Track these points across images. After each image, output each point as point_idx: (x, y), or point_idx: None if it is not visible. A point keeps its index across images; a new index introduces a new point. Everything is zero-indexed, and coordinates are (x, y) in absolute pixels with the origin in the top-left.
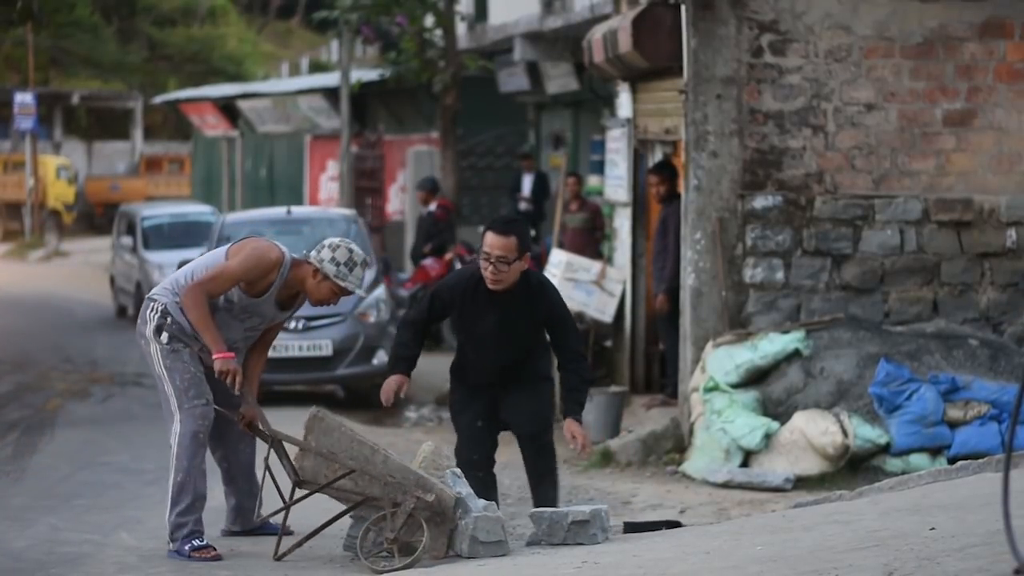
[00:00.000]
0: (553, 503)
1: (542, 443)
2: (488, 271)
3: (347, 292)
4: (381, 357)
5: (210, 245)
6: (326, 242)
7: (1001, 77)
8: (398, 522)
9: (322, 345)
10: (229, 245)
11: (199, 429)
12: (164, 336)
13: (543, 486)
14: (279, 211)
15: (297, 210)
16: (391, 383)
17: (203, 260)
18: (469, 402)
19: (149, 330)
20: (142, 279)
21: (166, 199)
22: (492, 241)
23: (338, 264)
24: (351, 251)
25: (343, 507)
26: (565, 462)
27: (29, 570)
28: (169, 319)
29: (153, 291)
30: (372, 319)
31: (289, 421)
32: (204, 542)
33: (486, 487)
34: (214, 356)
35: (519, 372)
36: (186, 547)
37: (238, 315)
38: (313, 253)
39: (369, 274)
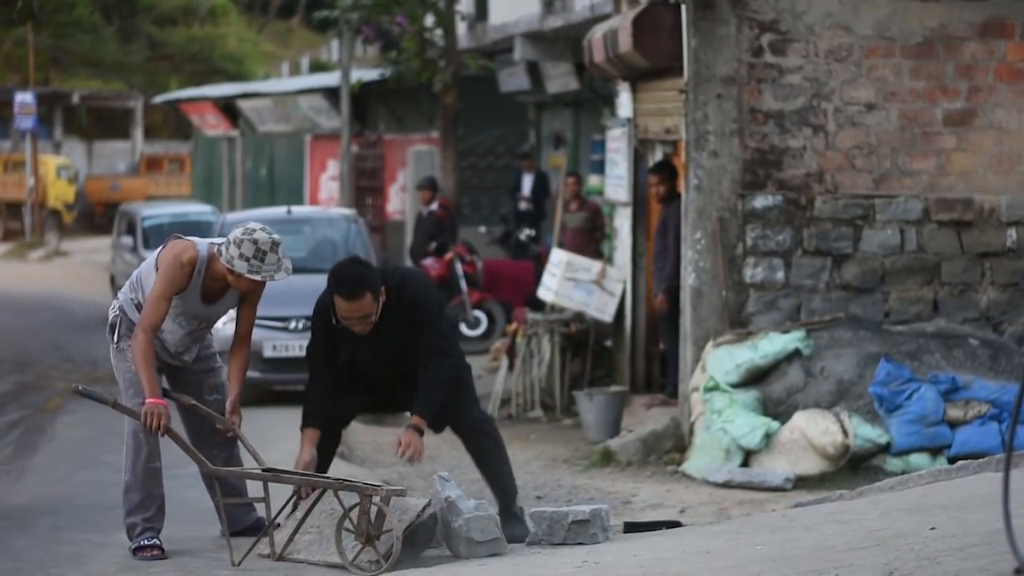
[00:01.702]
0: (503, 479)
1: (468, 430)
2: (356, 328)
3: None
4: None
5: None
6: (230, 237)
7: (1001, 77)
8: (362, 522)
9: None
10: (159, 251)
11: (137, 428)
12: (115, 336)
13: (486, 468)
14: (279, 211)
15: (297, 210)
16: (306, 461)
17: (146, 265)
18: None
19: (107, 329)
20: None
21: (166, 199)
22: (346, 307)
23: (248, 259)
24: (256, 241)
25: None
26: (565, 461)
27: (30, 569)
28: (121, 317)
29: (122, 290)
30: None
31: (289, 421)
32: (151, 541)
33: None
34: (146, 399)
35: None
36: (132, 545)
37: (176, 319)
38: (223, 251)
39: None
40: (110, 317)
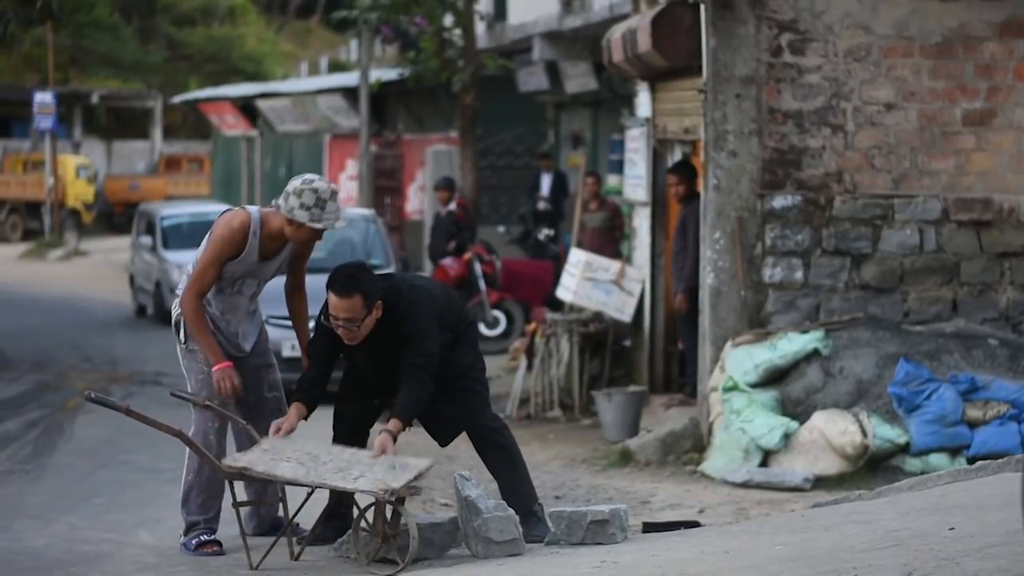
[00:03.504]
0: (515, 483)
1: (478, 436)
2: (340, 331)
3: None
4: None
5: None
6: (289, 188)
7: (1021, 76)
8: (378, 522)
9: None
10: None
11: (208, 430)
12: (182, 334)
13: (498, 472)
14: None
15: None
16: (284, 428)
17: (199, 252)
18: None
19: (172, 326)
20: (161, 278)
21: (185, 198)
22: (335, 303)
23: (308, 208)
24: (316, 190)
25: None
26: (584, 462)
27: (48, 569)
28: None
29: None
30: None
31: (310, 421)
32: (211, 537)
33: None
34: (213, 368)
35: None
36: (193, 542)
37: (236, 287)
38: (281, 203)
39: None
40: (173, 316)
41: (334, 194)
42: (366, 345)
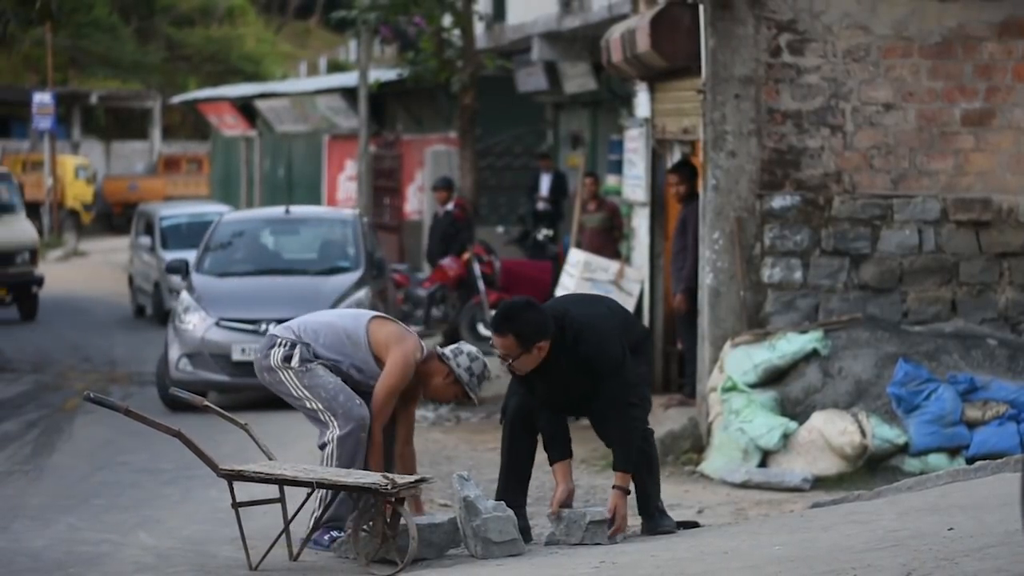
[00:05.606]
0: (647, 487)
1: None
2: (503, 362)
3: (467, 398)
4: None
5: (204, 244)
6: (464, 349)
7: (1020, 77)
8: (378, 522)
9: None
10: (369, 320)
11: (359, 426)
12: (295, 360)
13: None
14: (277, 211)
15: (296, 209)
16: (561, 498)
17: (337, 325)
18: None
19: (274, 361)
20: (160, 279)
21: (184, 199)
22: (494, 340)
23: (472, 374)
24: (485, 365)
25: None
26: (583, 461)
27: (47, 569)
28: (297, 350)
29: (276, 330)
30: None
31: (306, 422)
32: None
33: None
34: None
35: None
36: (325, 537)
37: (353, 371)
38: (450, 355)
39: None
40: (280, 353)
41: (488, 377)
42: (543, 377)
